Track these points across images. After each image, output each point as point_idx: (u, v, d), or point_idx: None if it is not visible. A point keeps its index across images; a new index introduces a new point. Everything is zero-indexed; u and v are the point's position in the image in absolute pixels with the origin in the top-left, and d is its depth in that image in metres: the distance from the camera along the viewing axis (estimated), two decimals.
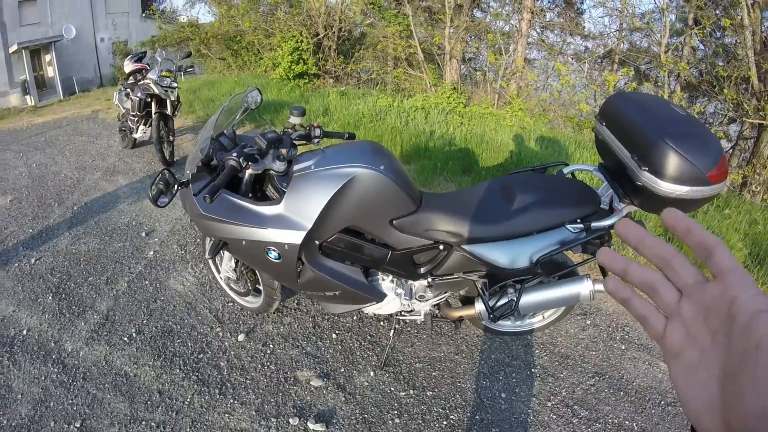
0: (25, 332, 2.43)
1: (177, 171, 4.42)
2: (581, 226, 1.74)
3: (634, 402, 2.10)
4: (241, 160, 1.64)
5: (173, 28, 11.16)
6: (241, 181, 1.84)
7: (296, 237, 1.74)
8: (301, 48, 7.60)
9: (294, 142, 1.97)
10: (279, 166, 1.76)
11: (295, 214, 1.73)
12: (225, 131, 1.93)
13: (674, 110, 1.56)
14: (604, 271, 1.92)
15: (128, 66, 5.03)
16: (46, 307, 2.62)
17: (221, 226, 1.84)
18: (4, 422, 1.94)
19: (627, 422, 2.01)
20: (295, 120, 2.01)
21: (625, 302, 0.39)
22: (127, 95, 4.88)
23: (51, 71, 15.66)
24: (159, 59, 4.57)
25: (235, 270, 2.30)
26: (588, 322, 2.56)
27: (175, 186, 1.64)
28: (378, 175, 1.70)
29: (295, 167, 1.78)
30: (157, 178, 1.62)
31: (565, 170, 2.00)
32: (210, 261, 2.54)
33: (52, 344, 2.36)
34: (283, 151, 1.81)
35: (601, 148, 1.81)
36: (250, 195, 1.88)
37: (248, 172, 1.79)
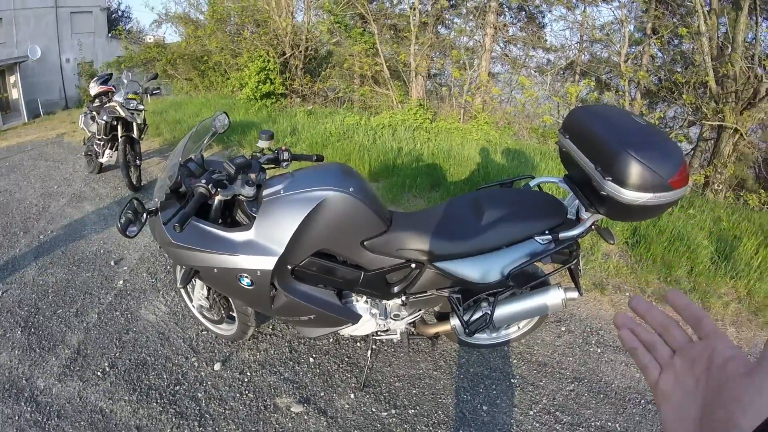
0: None
1: (145, 196, 4.34)
2: (549, 237, 1.78)
3: (614, 403, 2.15)
4: (210, 186, 1.62)
5: (139, 48, 11.04)
6: (210, 208, 1.81)
7: (268, 262, 1.72)
8: (268, 68, 7.58)
9: (263, 166, 1.96)
10: (248, 191, 1.75)
11: (266, 240, 1.72)
12: (193, 156, 1.91)
13: (635, 121, 1.62)
14: (575, 280, 1.96)
15: (94, 88, 4.93)
16: (15, 343, 2.53)
17: (192, 254, 1.81)
18: None
19: (609, 423, 2.05)
20: (263, 144, 2.00)
21: (632, 351, 0.51)
22: (93, 118, 4.77)
23: (15, 93, 15.21)
24: (125, 81, 4.50)
25: (207, 298, 2.26)
26: (563, 329, 2.60)
27: (144, 215, 1.61)
28: (347, 197, 1.71)
29: (265, 192, 1.77)
30: (126, 207, 1.59)
31: (532, 183, 2.05)
32: (182, 290, 2.49)
33: (24, 381, 2.27)
34: (252, 175, 1.80)
35: (565, 160, 1.86)
36: (220, 221, 1.86)
37: (217, 198, 1.77)
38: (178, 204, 1.81)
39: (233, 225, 1.89)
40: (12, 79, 15.20)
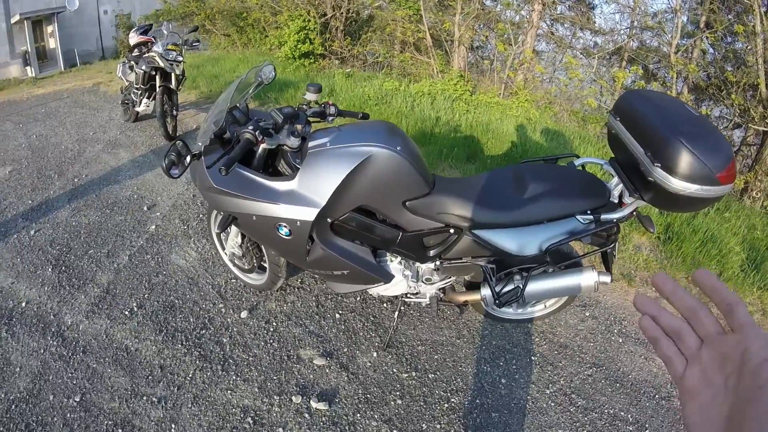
0: (23, 304, 2.42)
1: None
2: (591, 217, 1.75)
3: (629, 394, 2.13)
4: (257, 133, 1.62)
5: (178, 2, 11.00)
6: (253, 156, 1.82)
7: (309, 214, 1.72)
8: (307, 27, 7.51)
9: (309, 119, 1.95)
10: (293, 141, 1.75)
11: (309, 191, 1.72)
12: (238, 105, 1.91)
13: (689, 110, 1.57)
14: (607, 264, 1.93)
15: (133, 38, 4.96)
16: (45, 280, 2.60)
17: (232, 200, 1.82)
18: (2, 395, 1.93)
19: (622, 413, 2.04)
20: (311, 96, 1.99)
21: (653, 341, 0.45)
22: (131, 68, 4.82)
23: (52, 43, 15.41)
24: (165, 32, 4.51)
25: (241, 246, 2.29)
26: (587, 314, 2.58)
27: (188, 157, 1.62)
28: (394, 155, 1.69)
29: (311, 144, 1.76)
30: (170, 149, 1.61)
31: (576, 162, 2.00)
32: (215, 237, 2.53)
33: (52, 317, 2.34)
34: (298, 127, 1.79)
35: (613, 143, 1.81)
36: (261, 170, 1.86)
37: (262, 146, 1.77)
38: (221, 150, 1.82)
39: (274, 174, 1.89)
40: (49, 29, 15.37)
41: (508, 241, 1.80)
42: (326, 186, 1.69)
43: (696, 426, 0.40)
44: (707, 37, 7.26)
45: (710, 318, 0.42)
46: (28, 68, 14.36)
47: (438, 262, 1.93)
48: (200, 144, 1.77)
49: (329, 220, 1.81)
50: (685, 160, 1.40)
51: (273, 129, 1.72)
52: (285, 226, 1.78)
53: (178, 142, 1.63)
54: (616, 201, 1.81)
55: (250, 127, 1.63)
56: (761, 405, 0.35)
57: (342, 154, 1.70)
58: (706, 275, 0.42)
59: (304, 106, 2.00)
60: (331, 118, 2.05)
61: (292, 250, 1.88)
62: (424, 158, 1.86)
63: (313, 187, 1.71)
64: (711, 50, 7.97)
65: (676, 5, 7.10)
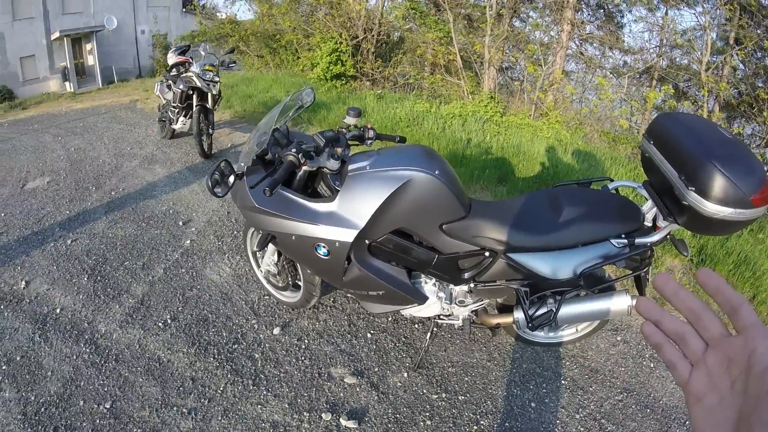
0: (58, 311, 2.49)
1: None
2: (625, 241, 1.74)
3: (659, 420, 2.08)
4: (300, 156, 1.67)
5: (213, 23, 11.38)
6: (294, 177, 1.87)
7: (348, 235, 1.77)
8: (339, 49, 7.68)
9: (348, 142, 2.00)
10: (333, 164, 1.80)
11: (349, 213, 1.76)
12: (279, 127, 1.97)
13: (722, 133, 1.57)
14: (640, 288, 1.91)
15: (171, 58, 5.15)
16: (80, 288, 2.68)
17: (272, 220, 1.88)
18: (32, 398, 1.99)
19: None
20: (350, 120, 2.05)
21: (657, 347, 0.44)
22: (169, 86, 4.99)
23: (91, 60, 16.11)
24: (203, 53, 4.66)
25: (276, 264, 2.34)
26: (618, 339, 2.53)
27: (231, 177, 1.68)
28: (433, 179, 1.72)
29: (350, 167, 1.81)
30: (215, 168, 1.67)
31: (610, 185, 2.00)
32: (251, 254, 2.59)
33: (86, 324, 2.40)
34: (339, 150, 1.84)
35: (647, 166, 1.81)
36: (300, 191, 1.92)
37: (304, 168, 1.82)
38: (263, 170, 1.88)
39: (313, 196, 1.94)
40: (88, 46, 16.08)
41: (542, 264, 1.80)
42: (366, 208, 1.73)
43: (703, 431, 0.39)
44: (737, 54, 7.15)
45: (714, 320, 0.41)
46: (66, 83, 14.98)
47: (472, 285, 1.94)
48: (243, 164, 1.84)
49: (367, 241, 1.85)
50: (718, 183, 1.40)
51: (314, 152, 1.78)
52: (324, 247, 1.82)
53: (222, 162, 1.70)
54: (650, 224, 1.80)
55: (293, 150, 1.69)
56: None
57: (382, 178, 1.74)
58: (710, 275, 0.41)
59: (343, 129, 2.06)
60: (369, 142, 2.10)
61: (330, 269, 1.92)
62: (460, 182, 1.88)
63: (353, 209, 1.76)
64: (741, 66, 7.83)
65: (705, 22, 7.02)
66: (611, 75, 7.92)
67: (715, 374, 0.39)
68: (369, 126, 2.09)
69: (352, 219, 1.76)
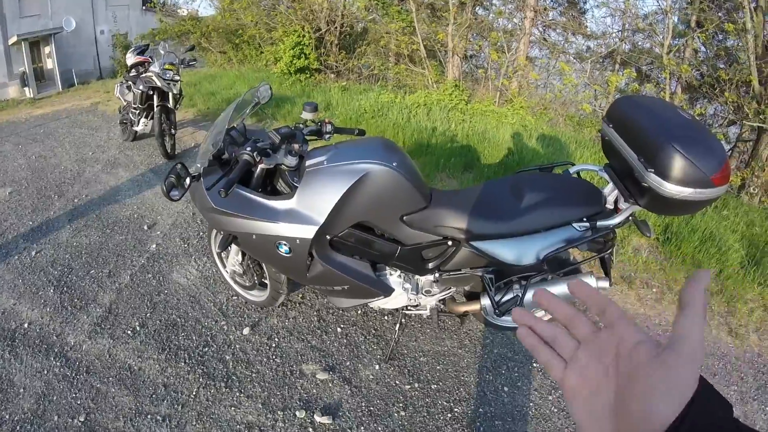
0: (26, 325, 2.42)
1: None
2: (587, 224, 1.77)
3: None
4: (255, 154, 1.65)
5: (174, 21, 11.12)
6: (251, 176, 1.84)
7: (308, 231, 1.75)
8: (302, 43, 7.57)
9: (306, 137, 1.97)
10: (291, 160, 1.77)
11: (308, 209, 1.74)
12: (235, 125, 1.94)
13: (680, 114, 1.60)
14: (606, 269, 1.95)
15: (130, 58, 5.01)
16: (47, 300, 2.60)
17: (232, 220, 1.85)
18: (6, 417, 1.93)
19: None
20: (307, 115, 2.02)
21: (532, 348, 0.47)
22: (129, 87, 4.86)
23: (50, 63, 15.52)
24: (162, 52, 4.55)
25: (241, 264, 2.31)
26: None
27: (188, 179, 1.64)
28: (391, 171, 1.72)
29: (308, 162, 1.79)
30: (170, 172, 1.63)
31: (572, 170, 2.03)
32: (215, 255, 2.55)
33: (54, 338, 2.34)
34: (296, 146, 1.82)
35: (607, 149, 1.84)
36: (260, 190, 1.89)
37: (260, 166, 1.79)
38: (220, 171, 1.85)
39: (273, 194, 1.92)
40: (47, 49, 15.47)
41: (505, 251, 1.82)
42: (324, 204, 1.72)
43: (584, 422, 0.41)
44: (698, 36, 7.31)
45: (585, 320, 0.45)
46: (26, 89, 14.42)
47: (437, 274, 1.95)
48: (199, 165, 1.80)
49: (328, 236, 1.83)
50: (678, 164, 1.43)
51: (270, 149, 1.75)
52: (285, 244, 1.80)
53: (177, 164, 1.66)
54: (611, 207, 1.83)
55: (248, 148, 1.66)
56: (641, 383, 0.37)
57: (339, 172, 1.73)
58: (581, 285, 0.45)
59: (300, 125, 2.03)
60: (327, 136, 2.08)
61: (293, 267, 1.90)
62: (420, 172, 1.88)
63: (312, 205, 1.74)
64: (703, 49, 8.03)
65: (666, 6, 7.15)
66: (574, 60, 8.03)
67: (588, 367, 0.42)
68: (327, 120, 2.07)
69: (311, 215, 1.74)
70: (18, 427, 1.89)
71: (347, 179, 1.71)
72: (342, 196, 1.70)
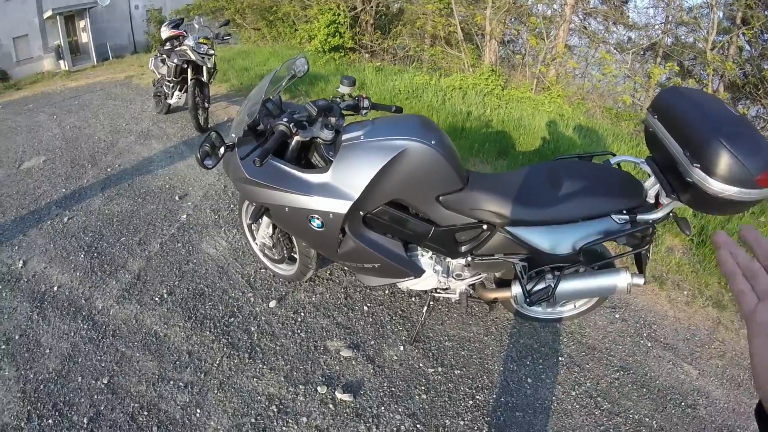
0: (55, 288, 2.48)
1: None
2: (626, 217, 1.70)
3: (655, 400, 2.08)
4: (291, 125, 1.62)
5: None
6: (287, 148, 1.83)
7: (342, 206, 1.73)
8: (337, 21, 7.50)
9: (342, 111, 1.94)
10: (327, 134, 1.75)
11: (343, 184, 1.72)
12: (272, 97, 1.92)
13: (728, 110, 1.52)
14: (641, 266, 1.88)
15: (165, 32, 5.03)
16: (77, 265, 2.66)
17: (265, 192, 1.84)
18: (31, 376, 1.99)
19: (647, 419, 2.00)
20: (344, 89, 1.99)
21: (730, 275, 0.47)
22: (163, 61, 4.89)
23: (85, 37, 15.81)
24: (197, 26, 4.56)
25: (271, 237, 2.31)
26: (617, 316, 2.53)
27: (222, 148, 1.63)
28: (429, 149, 1.68)
29: (344, 137, 1.76)
30: (205, 139, 1.62)
31: (612, 160, 1.95)
32: (246, 227, 2.56)
33: (83, 301, 2.40)
34: (332, 119, 1.79)
35: (650, 141, 1.76)
36: (294, 162, 1.87)
37: (296, 138, 1.77)
38: (254, 142, 1.83)
39: (306, 167, 1.90)
40: (82, 23, 15.74)
41: (541, 239, 1.77)
42: (360, 179, 1.69)
43: (762, 360, 0.41)
44: (744, 34, 7.02)
45: None
46: (61, 62, 14.75)
47: (469, 258, 1.91)
48: (234, 135, 1.79)
49: (362, 213, 1.81)
50: (724, 161, 1.36)
51: (307, 121, 1.73)
52: (317, 218, 1.79)
53: (212, 133, 1.65)
54: (652, 201, 1.76)
55: (285, 119, 1.64)
56: None
57: (376, 148, 1.70)
58: (750, 231, 0.47)
59: (337, 99, 2.00)
60: (364, 111, 2.05)
61: (324, 241, 1.89)
62: (457, 153, 1.84)
63: (347, 180, 1.72)
64: (748, 47, 7.70)
65: (711, 0, 6.86)
66: (615, 51, 7.79)
67: None
68: (364, 96, 2.03)
69: (346, 190, 1.72)
70: (42, 386, 1.95)
71: (384, 155, 1.67)
72: (378, 172, 1.67)
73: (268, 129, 1.79)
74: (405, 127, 1.75)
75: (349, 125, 1.84)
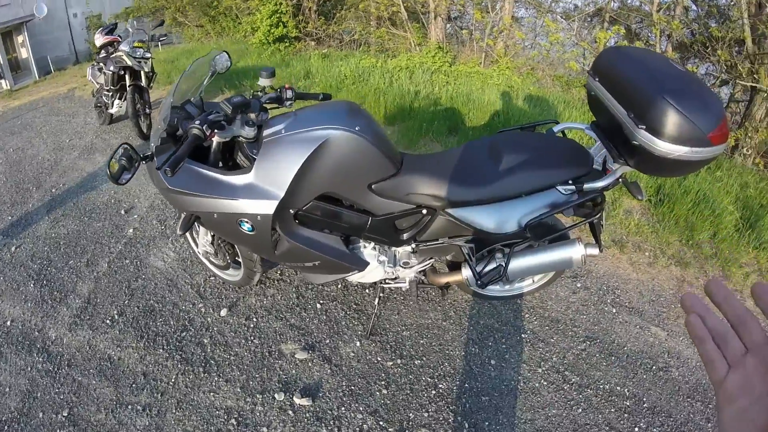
0: (9, 323, 2.37)
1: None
2: (573, 187, 1.66)
3: (625, 367, 2.08)
4: (204, 127, 1.52)
5: None
6: (209, 151, 1.73)
7: (268, 207, 1.64)
8: (280, 11, 7.31)
9: (264, 105, 1.84)
10: (248, 132, 1.65)
11: (267, 183, 1.63)
12: (192, 99, 1.81)
13: (674, 66, 1.47)
14: (595, 235, 1.85)
15: (99, 39, 4.83)
16: (28, 296, 2.55)
17: (190, 200, 1.73)
18: None
19: (618, 388, 1.99)
20: (264, 82, 1.88)
21: (699, 341, 0.44)
22: (100, 69, 4.69)
23: (24, 52, 15.08)
24: (131, 30, 4.41)
25: (212, 243, 2.22)
26: (578, 285, 2.52)
27: (138, 161, 1.53)
28: (353, 136, 1.60)
29: (265, 132, 1.66)
30: (118, 154, 1.51)
31: (556, 128, 1.91)
32: (188, 236, 2.45)
33: (36, 333, 2.30)
34: (252, 115, 1.69)
35: (593, 105, 1.72)
36: (221, 165, 1.77)
37: (215, 140, 1.67)
38: (174, 148, 1.73)
39: (236, 168, 1.81)
40: (20, 38, 15.01)
41: (484, 218, 1.72)
42: (283, 176, 1.61)
43: (732, 430, 0.40)
44: None
45: (759, 328, 0.42)
46: (2, 81, 14.06)
47: (414, 245, 1.85)
48: (152, 144, 1.68)
49: (292, 210, 1.73)
50: (671, 120, 1.31)
51: (225, 120, 1.62)
52: (247, 222, 1.70)
53: (123, 146, 1.53)
54: (600, 168, 1.73)
55: (197, 122, 1.53)
56: None
57: (297, 141, 1.61)
58: (764, 288, 0.41)
59: (258, 93, 1.90)
60: (289, 103, 1.94)
61: (259, 245, 1.81)
62: (387, 137, 1.76)
63: (270, 178, 1.63)
64: (694, 7, 7.81)
65: None
66: (561, 19, 7.79)
67: (751, 377, 0.40)
68: (287, 86, 1.92)
69: (270, 189, 1.63)
70: (6, 427, 1.87)
71: (305, 148, 1.59)
72: (301, 166, 1.59)
73: (185, 134, 1.68)
74: (327, 115, 1.66)
75: (271, 119, 1.74)
